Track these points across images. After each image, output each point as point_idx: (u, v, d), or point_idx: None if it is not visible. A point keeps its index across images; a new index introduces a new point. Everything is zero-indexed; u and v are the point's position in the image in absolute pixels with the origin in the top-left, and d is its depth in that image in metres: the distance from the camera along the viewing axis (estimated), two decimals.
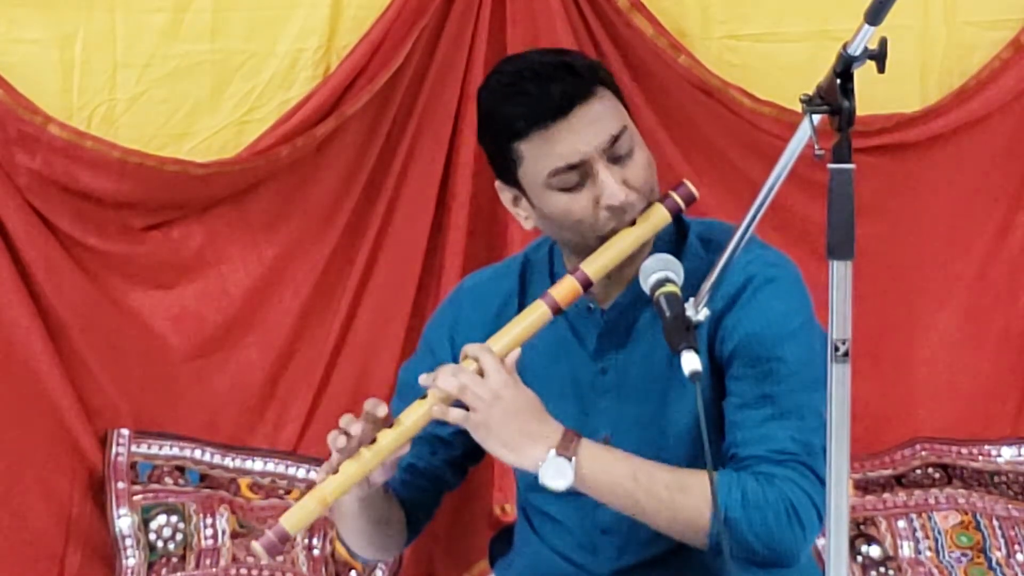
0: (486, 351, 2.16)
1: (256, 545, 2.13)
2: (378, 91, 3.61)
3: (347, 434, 2.15)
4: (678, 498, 2.17)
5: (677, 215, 2.25)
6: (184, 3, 3.59)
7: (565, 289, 2.20)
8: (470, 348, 2.18)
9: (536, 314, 2.20)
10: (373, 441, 2.16)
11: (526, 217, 2.30)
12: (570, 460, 2.14)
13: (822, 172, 1.89)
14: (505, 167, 2.26)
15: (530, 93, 2.19)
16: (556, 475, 2.14)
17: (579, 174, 2.20)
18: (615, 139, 2.20)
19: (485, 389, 2.14)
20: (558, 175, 2.20)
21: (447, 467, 2.44)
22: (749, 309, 2.23)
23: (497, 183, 2.31)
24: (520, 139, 2.21)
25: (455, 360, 2.26)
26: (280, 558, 3.50)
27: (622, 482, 2.17)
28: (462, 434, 2.22)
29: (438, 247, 3.71)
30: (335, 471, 2.16)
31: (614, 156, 2.20)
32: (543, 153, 2.20)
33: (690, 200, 2.24)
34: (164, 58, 3.61)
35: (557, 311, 2.20)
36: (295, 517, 2.15)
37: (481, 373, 2.15)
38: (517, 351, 2.18)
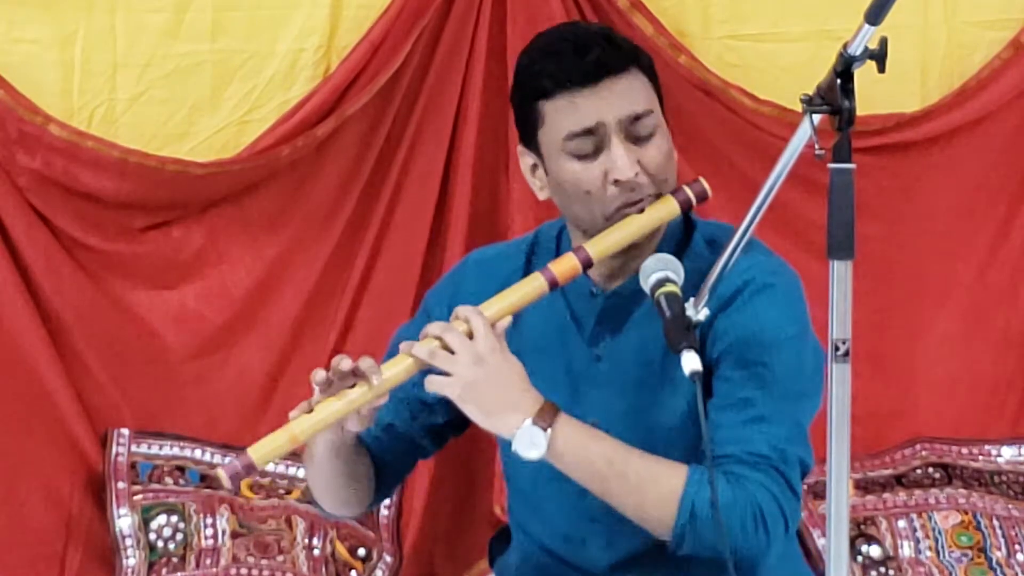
0: (477, 314, 2.16)
1: (220, 472, 2.14)
2: (378, 91, 3.61)
3: (331, 376, 2.15)
4: (648, 487, 2.17)
5: (687, 212, 2.25)
6: (184, 3, 3.59)
7: (564, 265, 2.20)
8: (461, 310, 2.17)
9: (532, 285, 2.20)
10: (353, 386, 2.15)
11: (540, 187, 2.30)
12: (545, 431, 2.14)
13: (822, 172, 1.89)
14: (528, 128, 2.26)
15: (565, 55, 2.20)
16: (529, 445, 2.14)
17: (594, 142, 2.20)
18: (637, 117, 2.20)
19: (471, 351, 2.13)
20: (574, 139, 2.20)
21: (426, 433, 2.43)
22: (743, 313, 2.22)
23: (519, 147, 2.31)
24: (545, 98, 2.21)
25: None
26: (280, 558, 3.51)
27: (595, 461, 2.17)
28: (446, 402, 2.21)
29: (438, 247, 3.72)
30: (311, 410, 2.16)
31: (633, 135, 2.21)
32: (564, 115, 2.20)
33: (703, 197, 2.24)
34: (164, 58, 3.61)
35: (554, 285, 2.20)
36: (264, 450, 2.14)
37: (470, 336, 2.16)
38: (508, 319, 2.18)
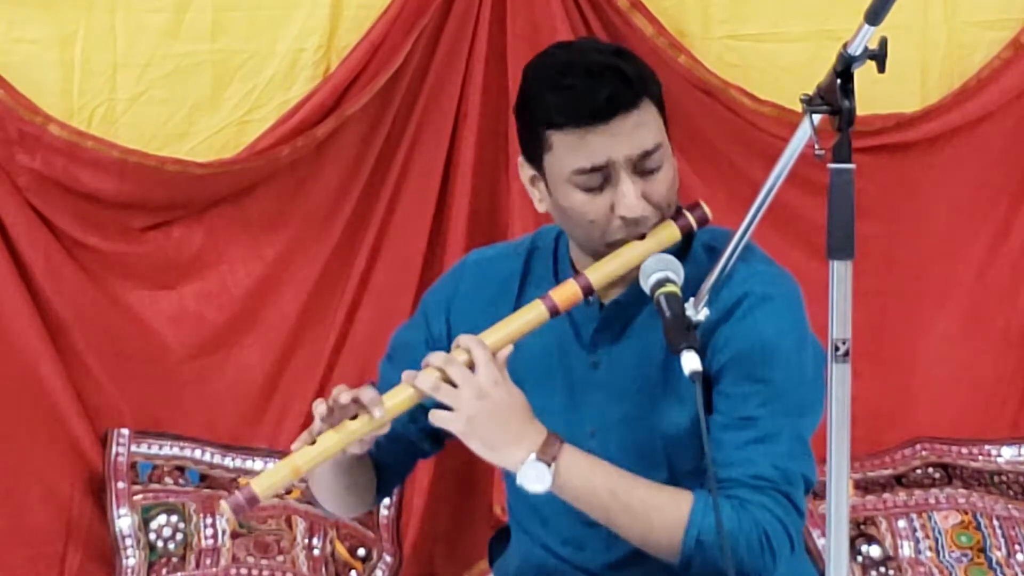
0: (479, 345, 2.16)
1: (224, 504, 2.14)
2: (378, 91, 3.61)
3: (332, 405, 2.15)
4: (653, 515, 2.18)
5: (688, 235, 2.25)
6: (184, 3, 3.59)
7: (566, 293, 2.20)
8: (463, 339, 2.17)
9: (533, 313, 2.20)
10: (355, 417, 2.16)
11: (539, 199, 2.29)
12: (549, 465, 2.14)
13: (822, 172, 1.89)
14: (533, 148, 2.25)
15: (577, 89, 2.17)
16: (534, 479, 2.14)
17: (602, 177, 2.19)
18: (647, 154, 2.19)
19: (473, 385, 2.14)
20: (583, 174, 2.19)
21: (424, 436, 2.42)
22: (742, 326, 2.22)
23: (520, 159, 2.30)
24: (555, 129, 2.19)
25: (447, 332, 2.30)
26: (280, 558, 3.51)
27: (599, 493, 2.17)
28: (443, 405, 2.21)
29: (438, 247, 3.71)
30: (313, 441, 2.16)
31: (641, 169, 2.19)
32: (573, 149, 2.19)
33: (703, 222, 2.24)
34: (164, 58, 3.61)
35: (555, 313, 2.20)
36: (267, 482, 2.16)
37: (471, 366, 2.16)
38: (509, 348, 2.18)
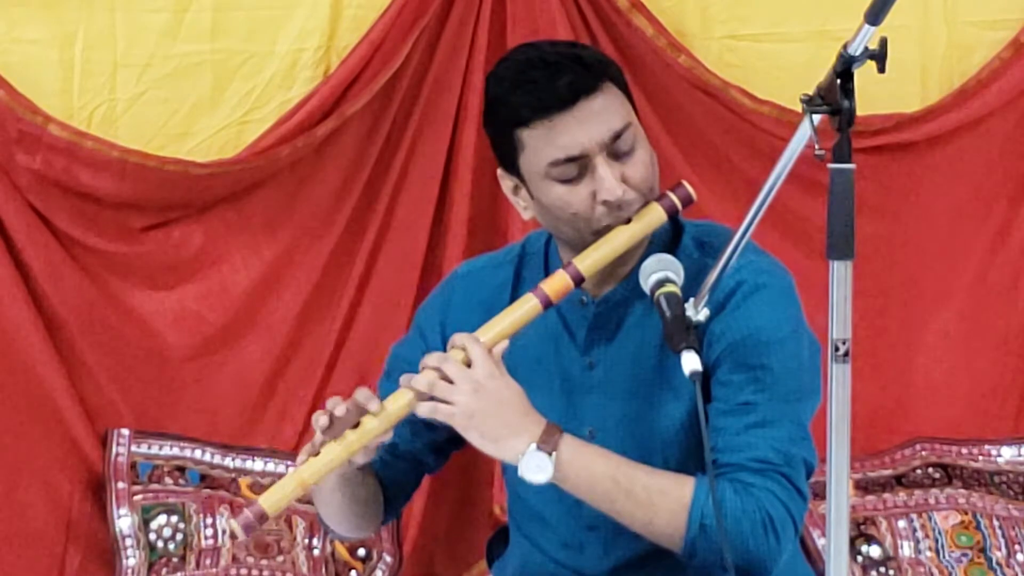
0: (474, 341, 2.17)
1: (234, 523, 2.15)
2: (378, 91, 3.61)
3: (331, 416, 2.15)
4: (656, 501, 2.17)
5: (673, 215, 2.25)
6: (184, 3, 3.59)
7: (556, 284, 2.21)
8: (458, 338, 2.18)
9: (526, 307, 2.21)
10: (356, 425, 2.16)
11: (524, 207, 2.30)
12: (550, 455, 2.14)
13: (822, 172, 1.89)
14: (507, 154, 2.26)
15: (537, 82, 2.20)
16: (536, 469, 2.14)
17: (578, 167, 2.20)
18: (617, 135, 2.20)
19: (470, 379, 2.14)
20: (558, 166, 2.20)
21: (429, 450, 2.44)
22: (737, 315, 2.22)
23: (499, 171, 2.32)
24: (523, 127, 2.21)
25: (443, 345, 2.28)
26: (280, 558, 3.51)
27: (601, 480, 2.17)
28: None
29: (438, 247, 3.72)
30: (317, 453, 2.17)
31: (615, 152, 2.20)
32: (545, 143, 2.20)
33: (687, 201, 2.25)
34: (164, 58, 3.61)
35: (548, 305, 2.20)
36: (274, 498, 2.16)
37: (468, 363, 2.16)
38: (505, 343, 2.19)
